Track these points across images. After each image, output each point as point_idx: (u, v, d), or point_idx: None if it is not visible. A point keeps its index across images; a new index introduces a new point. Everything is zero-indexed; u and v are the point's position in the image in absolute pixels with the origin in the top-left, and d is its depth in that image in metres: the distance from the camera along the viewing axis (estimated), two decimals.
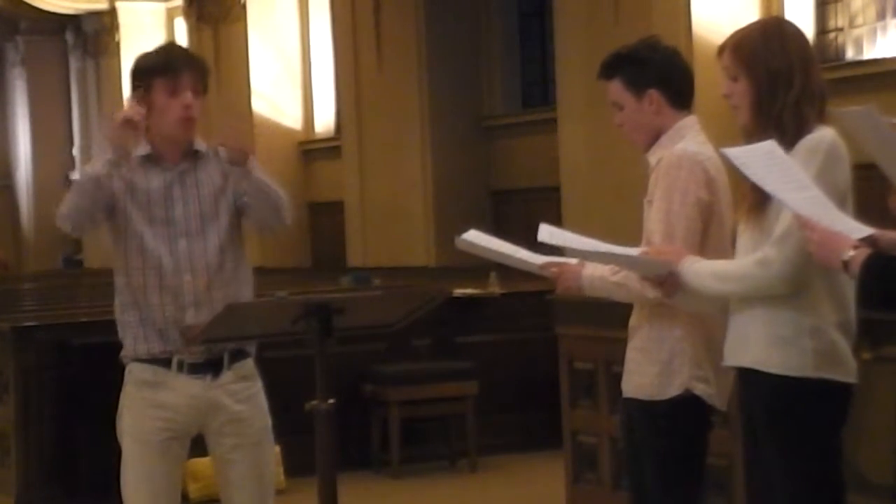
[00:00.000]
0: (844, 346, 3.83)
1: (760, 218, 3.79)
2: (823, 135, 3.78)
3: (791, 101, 3.81)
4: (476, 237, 4.41)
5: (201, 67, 4.69)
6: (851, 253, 3.39)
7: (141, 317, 4.59)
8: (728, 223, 4.37)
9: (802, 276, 3.72)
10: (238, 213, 4.68)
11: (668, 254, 4.00)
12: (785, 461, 3.81)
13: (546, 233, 4.14)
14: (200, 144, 4.68)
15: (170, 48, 4.82)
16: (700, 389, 4.30)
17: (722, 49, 3.96)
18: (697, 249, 4.14)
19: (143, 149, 4.61)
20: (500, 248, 4.40)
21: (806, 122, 3.80)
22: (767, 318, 3.82)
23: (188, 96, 4.57)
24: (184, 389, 4.58)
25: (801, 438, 3.79)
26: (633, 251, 4.08)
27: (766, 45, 3.87)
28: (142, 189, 4.58)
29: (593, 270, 4.35)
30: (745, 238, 3.90)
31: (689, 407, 4.31)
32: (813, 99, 3.83)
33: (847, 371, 3.83)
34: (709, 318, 4.27)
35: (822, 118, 3.84)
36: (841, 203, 3.71)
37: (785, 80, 3.82)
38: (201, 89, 4.64)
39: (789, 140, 3.77)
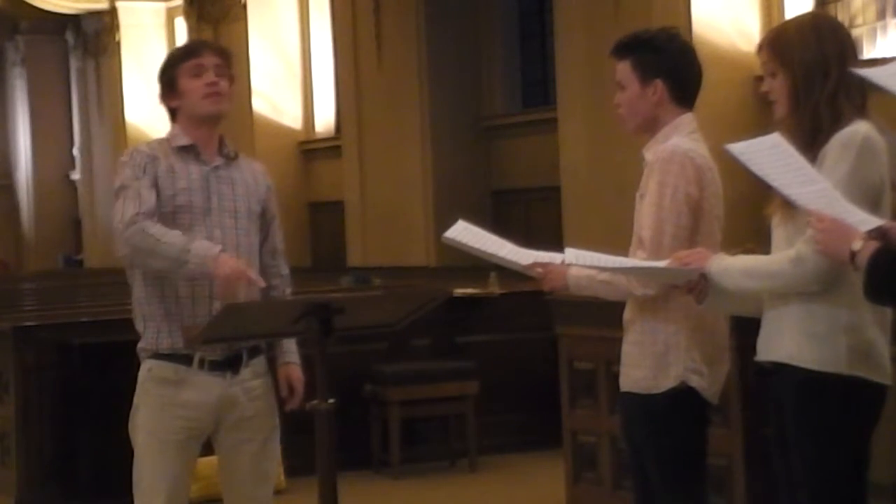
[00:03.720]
0: (882, 345, 3.79)
1: (793, 213, 3.73)
2: (857, 129, 3.74)
3: (827, 93, 3.78)
4: (462, 233, 4.40)
5: (223, 51, 4.79)
6: (859, 245, 3.37)
7: (166, 309, 4.58)
8: (719, 220, 4.38)
9: (836, 273, 3.67)
10: (263, 224, 4.76)
11: (693, 258, 3.97)
12: (810, 456, 3.78)
13: (572, 256, 4.13)
14: (232, 148, 4.75)
15: (192, 40, 4.90)
16: (695, 381, 4.32)
17: (760, 46, 3.95)
18: (686, 245, 4.15)
19: (182, 139, 4.66)
20: (485, 247, 4.40)
21: (842, 115, 3.76)
22: (803, 312, 3.78)
23: (210, 75, 4.64)
24: (205, 387, 4.60)
25: (829, 435, 3.75)
26: (659, 263, 4.07)
27: (800, 37, 3.85)
28: (182, 176, 4.62)
29: (579, 270, 4.36)
30: (778, 233, 3.86)
31: (685, 400, 4.32)
32: (850, 92, 3.78)
33: (881, 371, 3.79)
34: (703, 311, 4.28)
35: (861, 112, 3.79)
36: (877, 197, 3.70)
37: (821, 72, 3.79)
38: (227, 73, 4.71)
39: (825, 134, 3.74)
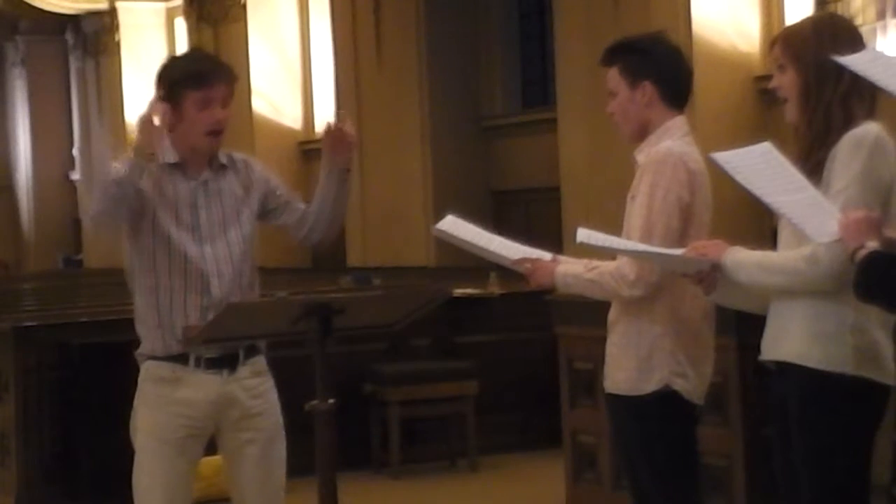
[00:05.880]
0: (887, 346, 3.79)
1: None
2: (868, 129, 3.75)
3: (840, 94, 3.78)
4: (452, 226, 4.40)
5: (232, 78, 4.68)
6: (870, 244, 3.36)
7: (160, 319, 4.59)
8: (707, 225, 4.37)
9: (849, 274, 3.61)
10: (265, 217, 4.74)
11: (709, 248, 3.96)
12: (814, 456, 3.78)
13: (584, 235, 4.12)
14: (223, 156, 4.71)
15: (201, 57, 4.85)
16: (678, 385, 4.30)
17: (773, 41, 3.96)
18: (675, 248, 4.13)
19: (171, 156, 4.62)
20: (474, 241, 4.40)
21: (854, 116, 3.76)
22: (810, 312, 3.78)
23: (219, 111, 4.58)
24: (202, 385, 4.60)
25: (833, 435, 3.76)
26: (674, 251, 4.07)
27: (816, 36, 3.85)
28: (169, 194, 4.61)
29: (567, 268, 4.35)
30: (787, 232, 3.86)
31: (669, 402, 4.31)
32: (862, 94, 3.78)
33: (886, 372, 3.79)
34: (688, 313, 4.27)
35: (871, 114, 3.80)
36: (886, 197, 3.71)
37: (834, 73, 3.77)
38: (230, 100, 4.64)
39: (836, 134, 3.75)
